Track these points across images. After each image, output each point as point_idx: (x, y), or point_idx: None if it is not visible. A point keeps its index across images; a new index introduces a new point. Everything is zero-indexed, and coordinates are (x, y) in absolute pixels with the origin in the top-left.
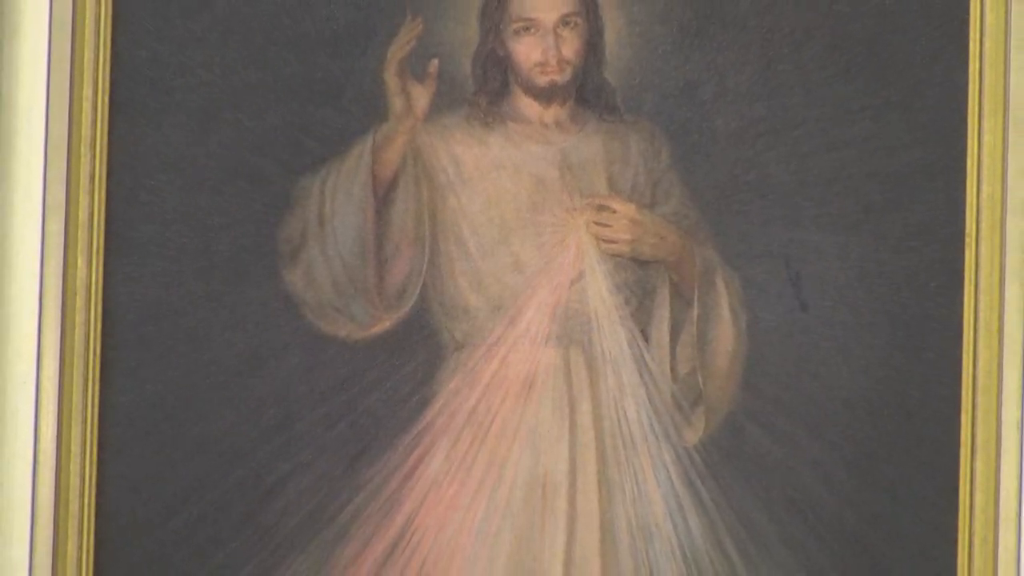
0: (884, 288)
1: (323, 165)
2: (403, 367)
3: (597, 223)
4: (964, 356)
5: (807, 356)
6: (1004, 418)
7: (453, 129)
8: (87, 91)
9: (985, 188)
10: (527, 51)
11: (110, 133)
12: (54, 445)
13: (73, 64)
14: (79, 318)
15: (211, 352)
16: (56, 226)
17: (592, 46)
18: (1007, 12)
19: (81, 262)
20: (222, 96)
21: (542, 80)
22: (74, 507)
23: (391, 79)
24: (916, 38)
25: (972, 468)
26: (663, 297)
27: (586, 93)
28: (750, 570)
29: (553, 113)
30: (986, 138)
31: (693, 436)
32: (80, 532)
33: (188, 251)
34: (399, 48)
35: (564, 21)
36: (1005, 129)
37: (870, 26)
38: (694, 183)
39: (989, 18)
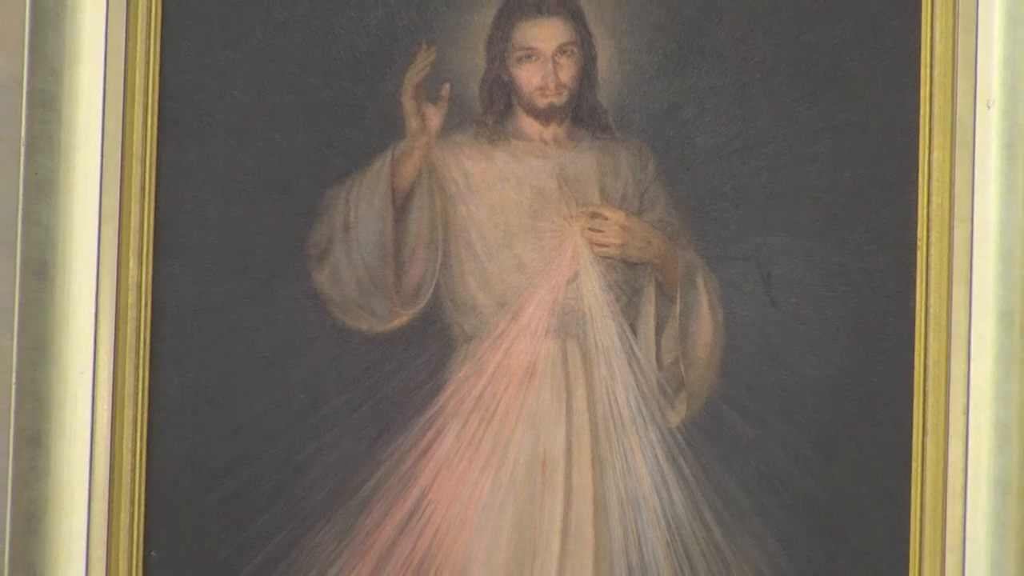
0: (845, 287)
1: (347, 178)
2: (418, 357)
3: (591, 229)
4: (916, 347)
5: (777, 347)
6: (951, 402)
7: (463, 145)
8: (138, 113)
9: (935, 199)
10: (528, 76)
11: (158, 150)
12: (108, 427)
13: (126, 89)
14: (131, 314)
15: (247, 344)
16: (110, 232)
17: (586, 72)
18: (954, 43)
19: (132, 264)
20: (257, 117)
21: (542, 102)
22: (126, 482)
23: (408, 101)
24: (873, 66)
25: (923, 446)
26: (649, 295)
27: (581, 113)
28: (726, 536)
29: (552, 131)
30: (935, 155)
31: (676, 418)
32: (131, 504)
33: (227, 254)
34: (415, 74)
35: (561, 50)
36: (952, 147)
37: (833, 55)
38: (677, 193)
39: (938, 48)
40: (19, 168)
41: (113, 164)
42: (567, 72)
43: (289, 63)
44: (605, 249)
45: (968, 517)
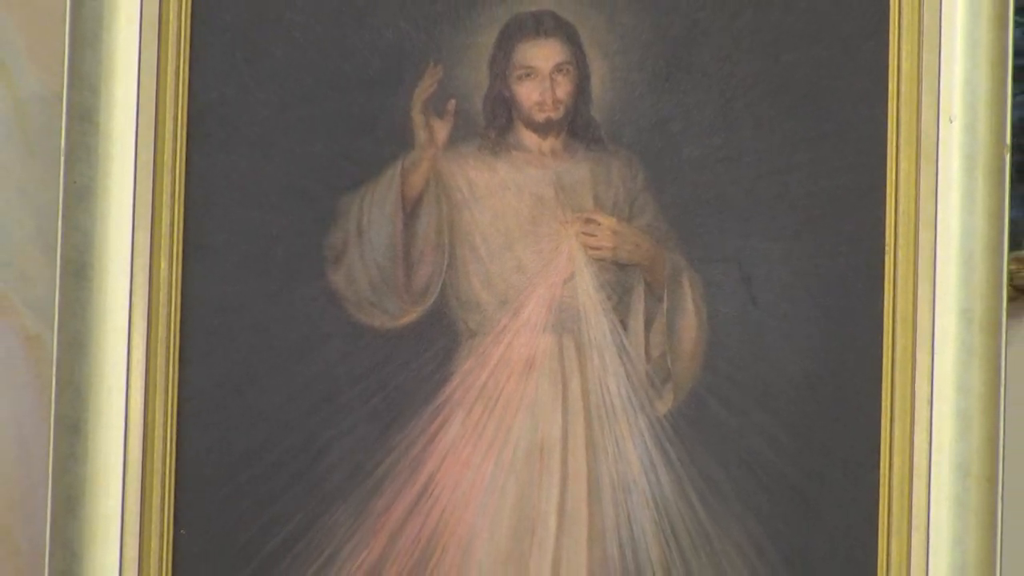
0: (819, 287)
1: (361, 186)
2: (426, 351)
3: (585, 233)
4: (884, 342)
5: (757, 342)
6: (917, 392)
7: (467, 156)
8: (169, 125)
9: (901, 206)
10: (528, 93)
11: (187, 159)
12: (141, 416)
13: (157, 104)
14: (162, 311)
15: (269, 339)
16: (143, 235)
17: (581, 89)
18: (919, 63)
19: (164, 264)
20: (278, 129)
21: (540, 117)
22: (157, 466)
23: (416, 115)
24: (846, 84)
25: (891, 433)
26: (639, 294)
27: (576, 127)
28: (710, 516)
29: (549, 144)
30: (902, 165)
31: (663, 407)
32: (162, 486)
33: (250, 256)
34: (423, 90)
35: (558, 69)
36: (918, 159)
37: (809, 73)
38: (664, 201)
39: (905, 68)
40: (59, 176)
41: (146, 172)
42: (563, 89)
43: (307, 80)
44: (598, 252)
45: (932, 499)
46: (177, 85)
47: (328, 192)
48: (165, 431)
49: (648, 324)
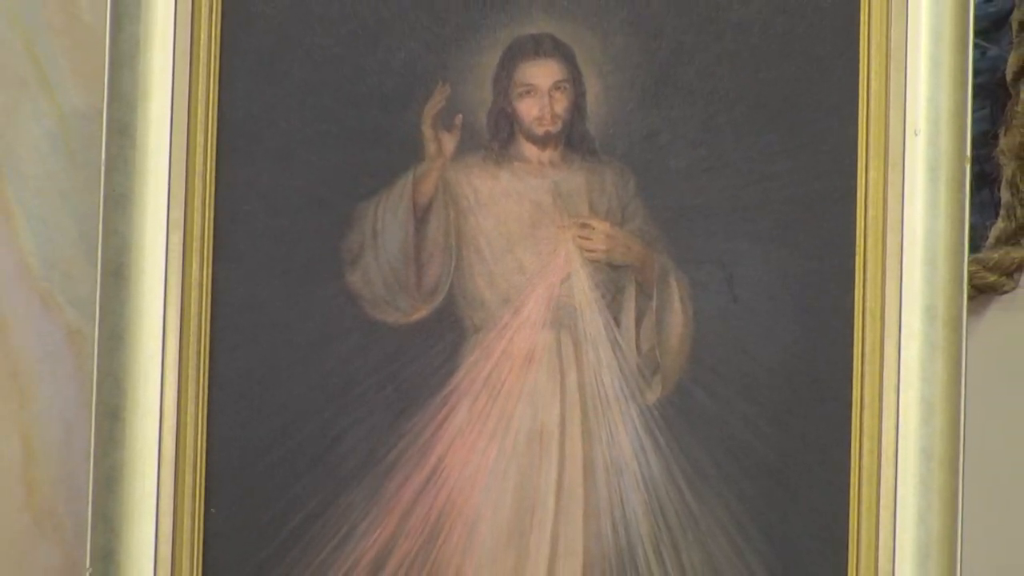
0: (796, 286)
1: (375, 194)
2: (435, 345)
3: (581, 237)
4: (855, 336)
5: (738, 337)
6: (885, 382)
7: (473, 167)
8: (199, 139)
9: (870, 212)
10: (528, 108)
11: (216, 171)
12: (175, 404)
13: (189, 119)
14: (193, 309)
15: (290, 335)
16: (176, 239)
17: (577, 105)
18: (887, 81)
19: (195, 266)
20: (299, 142)
21: (539, 130)
22: (189, 451)
23: (426, 129)
24: (821, 99)
25: (861, 419)
26: (630, 293)
27: (572, 140)
28: (695, 496)
29: (548, 155)
30: (871, 175)
31: (652, 397)
32: (194, 469)
33: (274, 259)
34: (432, 106)
35: (556, 86)
36: (885, 168)
37: (786, 90)
38: (653, 207)
39: (873, 85)
40: (100, 185)
41: (179, 182)
42: (561, 105)
43: (326, 98)
44: (593, 254)
45: (898, 480)
46: (207, 103)
47: (345, 200)
48: (196, 418)
49: (639, 320)
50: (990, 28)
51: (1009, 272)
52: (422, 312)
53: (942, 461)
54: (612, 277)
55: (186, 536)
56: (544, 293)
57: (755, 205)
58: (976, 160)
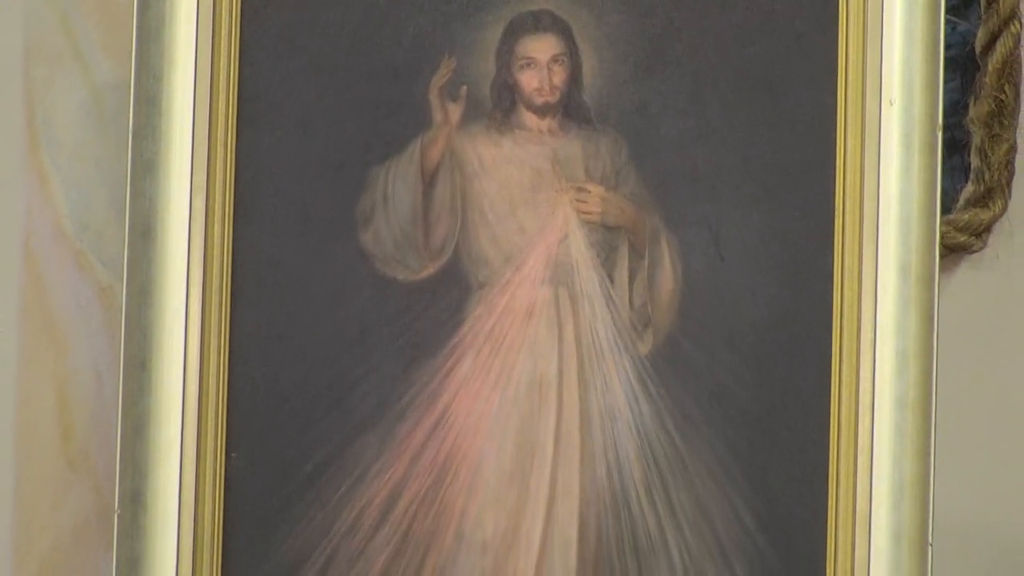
0: (778, 246)
1: (387, 160)
2: (442, 300)
3: (577, 200)
4: (834, 291)
5: (724, 293)
6: (862, 336)
7: (477, 135)
8: (222, 108)
9: (848, 177)
10: (528, 80)
11: (237, 138)
12: (198, 355)
13: (212, 90)
14: (215, 267)
15: (309, 291)
16: (199, 202)
17: (574, 77)
18: (864, 54)
19: (217, 227)
20: (316, 112)
21: (539, 101)
22: (211, 399)
23: (434, 100)
24: (801, 72)
25: (840, 370)
26: (623, 252)
27: (570, 110)
28: (684, 442)
29: (547, 124)
30: (849, 142)
31: (644, 348)
32: (216, 416)
33: (292, 220)
34: (439, 78)
35: (554, 60)
36: (862, 136)
37: (768, 63)
38: (645, 172)
39: (851, 58)
40: (128, 151)
41: (202, 149)
42: (559, 77)
43: (340, 70)
44: (589, 216)
45: (875, 427)
46: (229, 74)
47: (358, 165)
48: (218, 369)
49: (631, 277)
50: (960, 5)
51: (978, 233)
52: (430, 270)
53: (915, 409)
54: (607, 237)
55: (208, 479)
56: (543, 252)
57: (740, 171)
58: (947, 128)
